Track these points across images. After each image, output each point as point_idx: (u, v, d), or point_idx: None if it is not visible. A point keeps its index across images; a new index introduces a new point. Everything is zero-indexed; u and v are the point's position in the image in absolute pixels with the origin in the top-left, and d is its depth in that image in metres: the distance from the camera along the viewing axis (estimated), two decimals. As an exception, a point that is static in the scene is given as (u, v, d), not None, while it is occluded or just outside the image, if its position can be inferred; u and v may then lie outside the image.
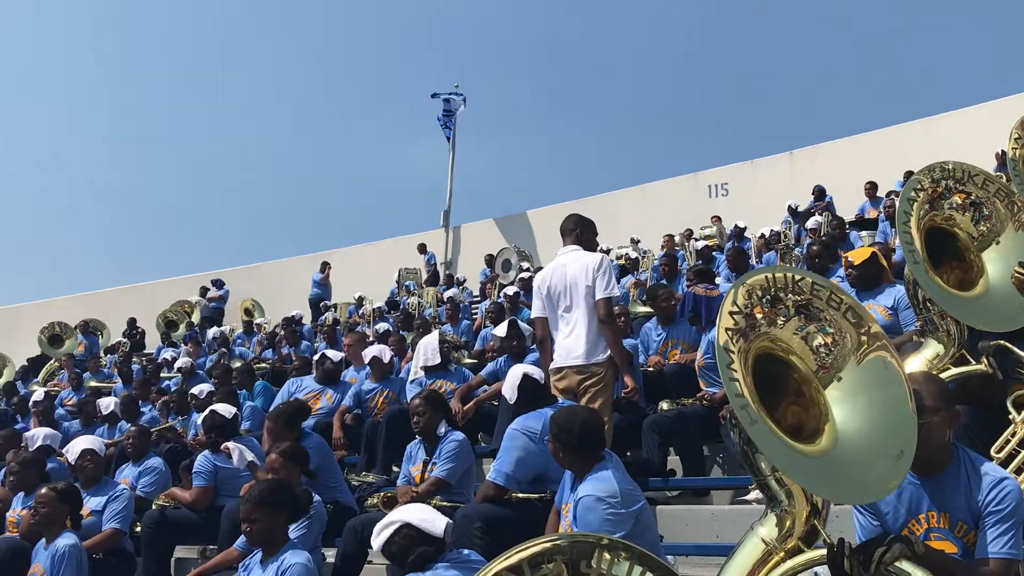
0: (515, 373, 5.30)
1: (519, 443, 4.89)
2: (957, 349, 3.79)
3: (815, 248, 8.70)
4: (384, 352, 7.89)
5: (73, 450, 6.27)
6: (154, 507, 6.06)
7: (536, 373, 5.34)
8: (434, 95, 24.74)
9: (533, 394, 5.20)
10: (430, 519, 3.68)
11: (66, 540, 5.21)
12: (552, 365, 5.36)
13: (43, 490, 5.41)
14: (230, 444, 6.15)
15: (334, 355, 8.43)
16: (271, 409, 6.31)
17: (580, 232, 5.62)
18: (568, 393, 5.24)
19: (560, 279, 5.41)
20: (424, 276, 20.77)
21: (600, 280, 5.35)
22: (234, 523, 5.15)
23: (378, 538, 3.69)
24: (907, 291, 4.07)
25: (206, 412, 6.60)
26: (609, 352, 5.29)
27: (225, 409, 6.51)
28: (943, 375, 3.61)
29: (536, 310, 5.55)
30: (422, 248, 21.75)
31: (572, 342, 5.31)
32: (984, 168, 4.10)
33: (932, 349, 3.84)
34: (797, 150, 21.37)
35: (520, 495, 4.79)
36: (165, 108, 63.35)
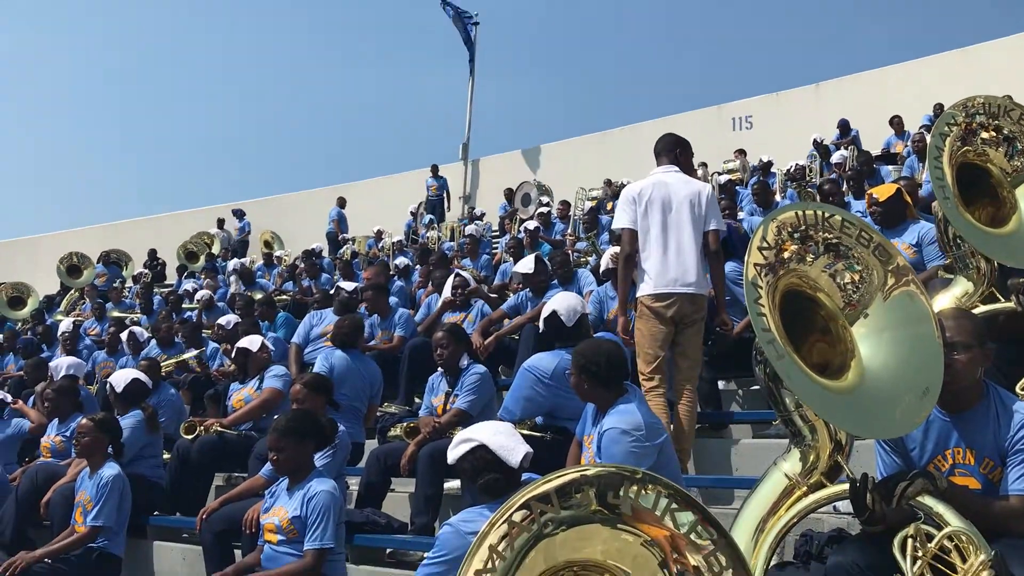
0: (547, 309, 5.23)
1: (528, 382, 4.94)
2: (987, 287, 3.76)
3: (826, 187, 8.59)
4: (253, 343, 6.68)
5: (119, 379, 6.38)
6: (214, 432, 6.13)
7: (564, 313, 5.14)
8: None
9: (555, 333, 5.15)
10: (509, 447, 3.42)
11: (110, 470, 5.37)
12: (658, 288, 4.93)
13: (83, 420, 5.54)
14: None
15: (348, 286, 8.47)
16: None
17: (679, 152, 5.22)
18: (670, 322, 4.91)
19: (665, 197, 5.01)
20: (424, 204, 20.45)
21: (713, 211, 5.08)
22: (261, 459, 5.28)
23: (453, 450, 3.50)
24: (937, 228, 4.03)
25: (235, 350, 6.68)
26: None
27: (250, 341, 6.59)
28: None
29: (626, 221, 5.06)
30: (434, 169, 21.47)
31: (681, 269, 4.92)
32: (1019, 102, 4.01)
33: (961, 287, 3.82)
34: (823, 83, 20.99)
35: (526, 431, 4.79)
36: (184, 39, 62.78)
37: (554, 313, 5.16)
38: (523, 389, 4.93)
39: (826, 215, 2.83)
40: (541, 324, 5.26)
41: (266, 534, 4.30)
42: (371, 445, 6.19)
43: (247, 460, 5.87)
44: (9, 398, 7.59)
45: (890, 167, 12.13)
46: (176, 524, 6.06)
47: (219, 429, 6.12)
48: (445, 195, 20.86)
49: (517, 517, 2.07)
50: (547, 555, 2.09)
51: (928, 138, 3.99)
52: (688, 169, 5.28)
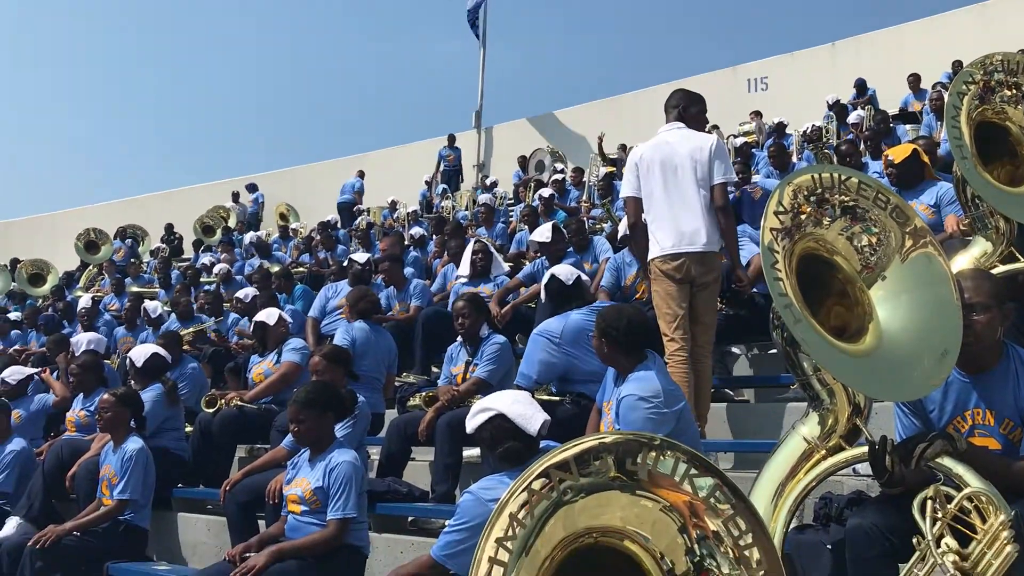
0: (545, 276, 5.38)
1: (540, 346, 4.97)
2: (1006, 247, 3.74)
3: (843, 148, 8.50)
4: (270, 316, 6.70)
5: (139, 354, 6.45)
6: (234, 406, 6.19)
7: (563, 274, 5.32)
8: None
9: (558, 294, 5.25)
10: (527, 415, 3.46)
11: (134, 444, 5.44)
12: (665, 250, 4.90)
13: (104, 396, 5.62)
14: None
15: (360, 257, 8.49)
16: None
17: (684, 108, 5.13)
18: (684, 283, 4.88)
19: (665, 157, 4.95)
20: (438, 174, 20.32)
21: (718, 163, 4.93)
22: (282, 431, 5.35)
23: (472, 420, 3.54)
24: (955, 188, 4.00)
25: (253, 323, 6.74)
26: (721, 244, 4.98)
27: (267, 315, 6.64)
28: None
29: (630, 189, 5.07)
30: (451, 139, 21.38)
31: (689, 228, 4.86)
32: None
33: (980, 247, 3.80)
34: (839, 41, 20.70)
35: (544, 397, 4.88)
36: (196, 12, 62.62)
37: (553, 276, 5.28)
38: (537, 352, 4.97)
39: (842, 178, 2.81)
40: (542, 292, 5.36)
41: (289, 505, 4.36)
42: (390, 415, 6.24)
43: (267, 433, 5.93)
44: (35, 370, 7.67)
45: (908, 126, 11.98)
46: (200, 496, 6.14)
47: (239, 403, 6.18)
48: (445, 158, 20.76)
49: (536, 485, 2.09)
50: (566, 522, 2.11)
51: (945, 96, 3.95)
52: (698, 124, 5.19)
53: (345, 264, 8.71)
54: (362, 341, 6.14)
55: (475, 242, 8.01)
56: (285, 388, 6.15)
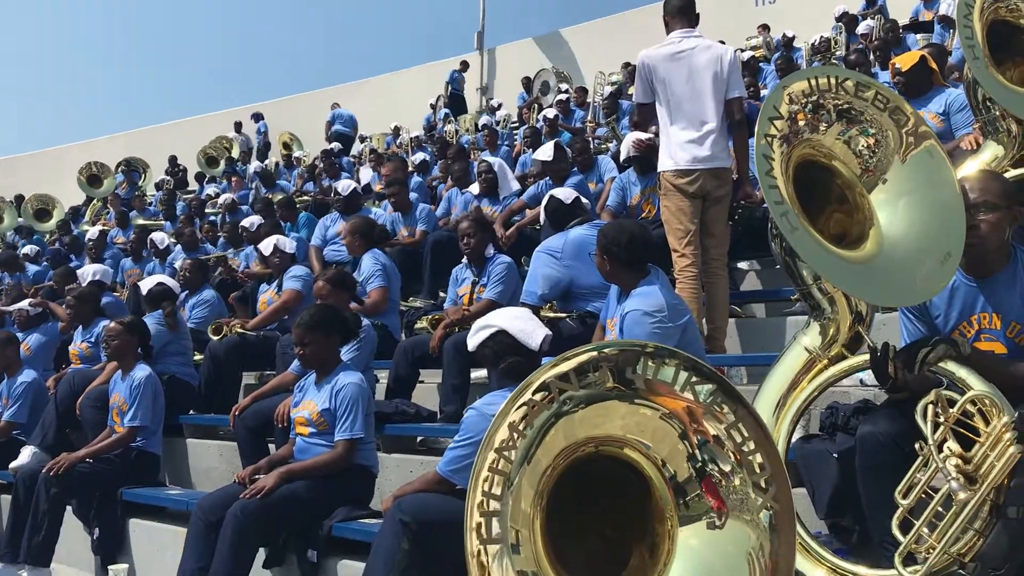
0: (544, 199, 5.50)
1: (543, 262, 5.03)
2: (1018, 150, 3.64)
3: (852, 59, 8.34)
4: (267, 246, 6.73)
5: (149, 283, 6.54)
6: (236, 333, 6.23)
7: (562, 194, 5.42)
8: None
9: (557, 212, 5.36)
10: (528, 330, 3.48)
11: (142, 372, 5.48)
12: (679, 164, 4.79)
13: (111, 324, 5.64)
14: None
15: (344, 187, 8.35)
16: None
17: (692, 11, 4.94)
18: (697, 198, 4.80)
19: (680, 67, 4.80)
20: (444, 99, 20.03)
21: (735, 76, 4.84)
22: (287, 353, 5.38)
23: (473, 337, 3.56)
24: (966, 91, 3.89)
25: (258, 251, 6.73)
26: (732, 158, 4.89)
27: (264, 245, 6.66)
28: (1002, 176, 3.47)
29: (641, 95, 4.95)
30: (464, 65, 21.02)
31: (703, 142, 4.76)
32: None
33: (991, 151, 3.70)
34: (850, -50, 20.10)
35: (551, 314, 4.90)
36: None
37: (552, 196, 5.41)
38: (541, 268, 5.01)
39: (840, 79, 2.72)
40: (542, 214, 5.37)
41: (297, 427, 4.39)
42: (398, 339, 6.24)
43: (271, 359, 5.98)
44: (27, 304, 7.68)
45: (918, 35, 11.70)
46: (211, 422, 6.19)
47: (240, 330, 6.24)
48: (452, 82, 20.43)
49: (537, 396, 2.08)
50: (567, 432, 2.11)
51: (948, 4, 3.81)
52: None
53: (333, 195, 8.60)
54: (391, 268, 6.16)
55: (480, 162, 7.97)
56: (288, 316, 6.17)
